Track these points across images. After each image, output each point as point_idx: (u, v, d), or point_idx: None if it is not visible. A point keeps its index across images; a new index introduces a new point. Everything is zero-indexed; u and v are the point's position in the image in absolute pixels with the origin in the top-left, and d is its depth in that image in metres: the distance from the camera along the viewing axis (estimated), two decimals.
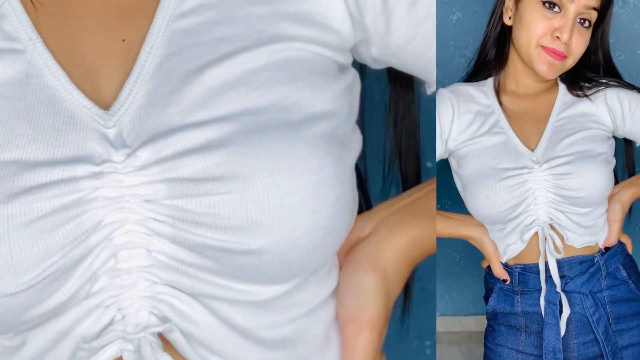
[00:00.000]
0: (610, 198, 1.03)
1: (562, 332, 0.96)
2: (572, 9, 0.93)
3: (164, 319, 0.54)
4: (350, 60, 0.65)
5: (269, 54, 0.56)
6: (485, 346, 1.06)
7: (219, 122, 0.53)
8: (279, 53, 0.57)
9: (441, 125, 1.02)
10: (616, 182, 1.06)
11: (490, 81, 1.02)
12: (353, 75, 0.65)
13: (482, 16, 1.64)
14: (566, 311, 0.97)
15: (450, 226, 1.07)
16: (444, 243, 1.74)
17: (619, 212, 1.02)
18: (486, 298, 1.09)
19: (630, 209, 1.19)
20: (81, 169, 0.51)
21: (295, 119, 0.54)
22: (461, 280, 1.80)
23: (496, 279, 1.05)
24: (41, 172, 0.50)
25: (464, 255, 1.78)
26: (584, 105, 1.00)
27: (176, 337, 0.54)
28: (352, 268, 0.62)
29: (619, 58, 1.61)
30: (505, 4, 1.01)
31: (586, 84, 1.02)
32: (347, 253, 0.64)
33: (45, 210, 0.50)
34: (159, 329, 0.53)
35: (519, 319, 1.02)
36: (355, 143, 0.61)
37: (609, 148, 0.99)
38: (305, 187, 0.52)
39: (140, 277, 0.53)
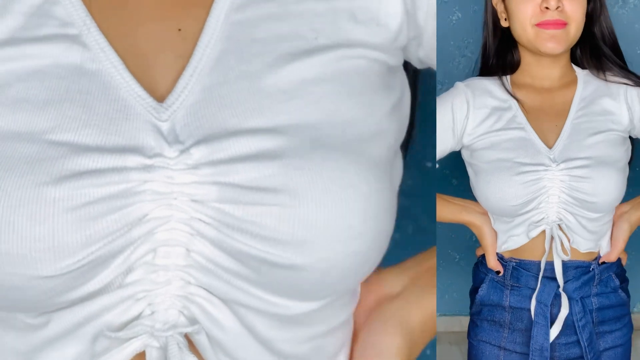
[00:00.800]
0: (619, 216, 1.01)
1: (557, 332, 0.96)
2: None
3: (193, 321, 0.53)
4: (401, 61, 0.64)
5: (328, 63, 0.56)
6: (469, 342, 1.06)
7: (274, 133, 0.52)
8: (337, 63, 0.56)
9: (454, 119, 1.00)
10: None
11: (507, 77, 1.01)
12: (402, 83, 0.63)
13: (482, 16, 1.65)
14: (564, 311, 0.96)
15: (452, 211, 1.06)
16: (444, 243, 1.74)
17: (625, 232, 1.00)
18: (473, 291, 1.08)
19: None
20: (132, 160, 0.50)
21: (350, 138, 0.54)
22: (461, 280, 1.80)
23: (489, 270, 1.04)
24: (92, 158, 0.50)
25: (464, 255, 1.78)
26: (604, 102, 0.98)
27: (202, 340, 0.54)
28: (379, 328, 0.61)
29: None
30: (498, 9, 1.02)
31: (609, 72, 1.01)
32: (375, 308, 0.63)
33: (92, 197, 0.49)
34: (188, 330, 0.53)
35: (504, 314, 1.01)
36: (398, 165, 0.61)
37: (625, 153, 0.98)
38: (353, 212, 0.52)
39: (176, 276, 0.52)
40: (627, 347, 1.03)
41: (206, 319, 0.54)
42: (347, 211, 0.51)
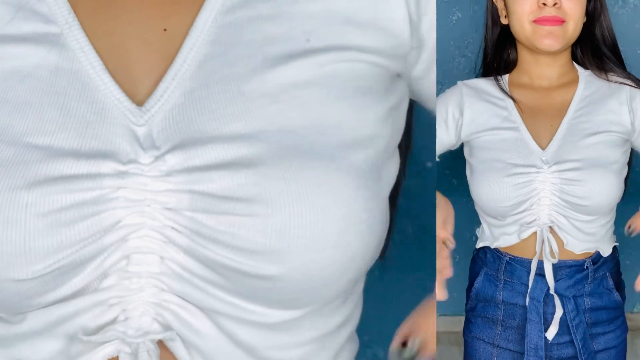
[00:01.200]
0: None
1: (554, 333, 0.96)
2: None
3: (167, 327, 0.53)
4: (404, 68, 0.61)
5: (317, 66, 0.54)
6: (464, 339, 1.06)
7: (252, 139, 0.51)
8: (327, 65, 0.54)
9: (448, 116, 1.01)
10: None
11: (505, 76, 1.01)
12: (403, 89, 0.62)
13: (482, 16, 1.64)
14: (558, 312, 0.96)
15: None
16: None
17: None
18: (469, 287, 1.09)
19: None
20: (107, 166, 0.50)
21: (334, 144, 0.52)
22: (461, 280, 1.80)
23: (484, 263, 1.04)
24: (67, 163, 0.50)
25: (464, 255, 1.78)
26: (605, 102, 0.97)
27: (177, 347, 0.53)
28: None
29: None
30: (498, 6, 1.01)
31: (611, 73, 1.00)
32: None
33: (65, 203, 0.49)
34: (160, 337, 0.53)
35: (497, 311, 1.01)
36: (392, 170, 0.59)
37: (623, 155, 0.96)
38: (331, 219, 0.50)
39: (149, 283, 0.52)
40: (620, 348, 1.02)
41: (181, 326, 0.53)
42: (325, 219, 0.50)
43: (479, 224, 2.00)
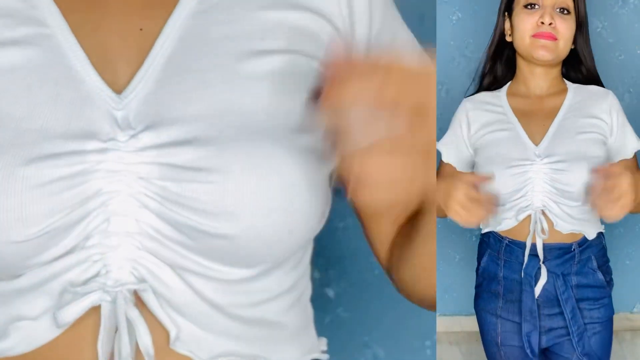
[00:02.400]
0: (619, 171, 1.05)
1: (539, 292, 1.14)
2: (547, 1, 1.14)
3: (141, 280, 0.62)
4: None
5: (269, 63, 0.64)
6: (475, 311, 1.27)
7: (212, 119, 0.61)
8: (277, 63, 0.64)
9: (468, 133, 1.20)
10: None
11: (504, 88, 1.23)
12: None
13: (482, 16, 1.65)
14: (543, 279, 1.14)
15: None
16: (444, 243, 1.74)
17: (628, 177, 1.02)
18: (478, 265, 1.27)
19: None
20: (90, 144, 0.59)
21: (281, 127, 0.62)
22: (461, 280, 1.80)
23: (488, 245, 1.22)
24: (57, 143, 0.59)
25: (464, 255, 1.78)
26: (590, 109, 1.17)
27: (149, 297, 0.62)
28: None
29: (619, 58, 1.61)
30: (505, 26, 1.23)
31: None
32: None
33: (55, 176, 0.58)
34: (135, 287, 0.62)
35: (498, 286, 1.20)
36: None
37: (604, 152, 1.15)
38: (276, 187, 0.60)
39: (126, 242, 0.61)
40: (606, 325, 1.19)
41: (153, 279, 0.62)
42: (271, 187, 0.59)
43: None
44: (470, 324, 1.85)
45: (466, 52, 1.66)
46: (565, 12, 1.16)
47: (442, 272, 1.78)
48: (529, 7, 1.16)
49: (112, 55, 0.63)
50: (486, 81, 1.27)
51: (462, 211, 1.01)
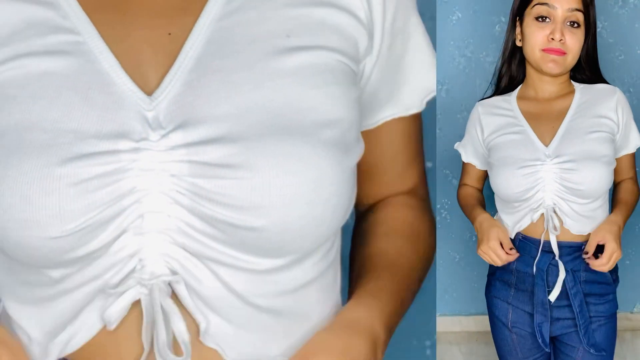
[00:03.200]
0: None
1: (557, 293, 1.22)
2: (558, 15, 1.18)
3: (174, 272, 0.64)
4: (359, 68, 0.73)
5: (295, 60, 0.66)
6: (486, 298, 1.36)
7: (240, 117, 0.63)
8: (303, 60, 0.66)
9: (482, 135, 1.28)
10: None
11: (514, 92, 1.29)
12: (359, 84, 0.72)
13: (482, 16, 1.65)
14: (562, 275, 1.22)
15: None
16: (444, 243, 1.74)
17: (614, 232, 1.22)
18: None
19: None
20: (123, 144, 0.62)
21: (307, 123, 0.65)
22: (461, 280, 1.80)
23: None
24: (91, 143, 0.62)
25: (464, 255, 1.78)
26: (597, 108, 1.22)
27: (181, 289, 0.64)
28: (345, 333, 0.67)
29: (619, 58, 1.61)
30: (516, 31, 1.29)
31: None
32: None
33: (91, 175, 0.61)
34: (169, 279, 0.64)
35: (511, 277, 1.29)
36: (359, 148, 0.70)
37: (612, 150, 1.20)
38: (303, 181, 0.62)
39: (159, 237, 0.63)
40: (611, 320, 1.28)
41: (185, 273, 0.64)
42: (296, 181, 0.62)
43: None
44: (470, 324, 1.86)
45: (466, 52, 1.66)
46: (576, 25, 1.19)
47: (442, 272, 1.78)
48: (540, 19, 1.20)
49: (142, 60, 0.66)
50: (503, 82, 1.33)
51: (492, 255, 1.23)
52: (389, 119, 0.77)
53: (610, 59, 1.58)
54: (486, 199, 1.40)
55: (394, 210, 0.80)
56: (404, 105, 0.77)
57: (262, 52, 0.66)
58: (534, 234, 1.24)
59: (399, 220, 0.79)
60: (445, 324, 1.82)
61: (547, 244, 1.23)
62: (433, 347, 1.45)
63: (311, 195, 0.62)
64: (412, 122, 0.79)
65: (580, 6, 1.20)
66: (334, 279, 0.76)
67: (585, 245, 1.23)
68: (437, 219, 1.71)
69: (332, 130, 0.66)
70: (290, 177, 0.62)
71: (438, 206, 1.74)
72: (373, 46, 0.72)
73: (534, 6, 1.21)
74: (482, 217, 1.26)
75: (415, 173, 0.82)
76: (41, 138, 0.62)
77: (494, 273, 1.34)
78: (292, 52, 0.66)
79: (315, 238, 0.66)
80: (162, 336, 0.64)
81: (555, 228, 1.20)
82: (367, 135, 0.76)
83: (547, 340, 1.25)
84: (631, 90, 1.61)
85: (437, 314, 1.80)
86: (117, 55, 0.65)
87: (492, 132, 1.27)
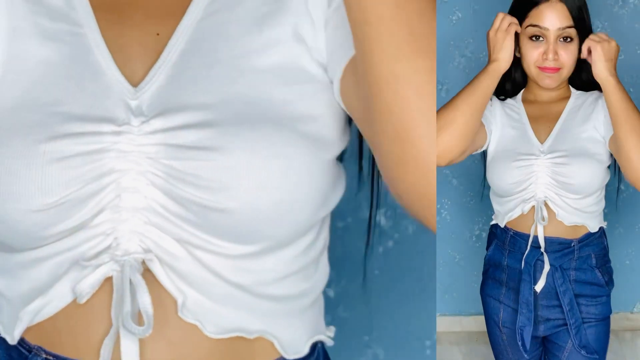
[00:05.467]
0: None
1: (542, 284, 1.23)
2: (550, 35, 1.22)
3: (147, 250, 0.67)
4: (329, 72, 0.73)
5: (268, 59, 0.70)
6: (481, 296, 1.37)
7: (215, 107, 0.67)
8: (276, 59, 0.70)
9: (489, 118, 1.30)
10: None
11: (519, 95, 1.34)
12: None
13: (482, 16, 1.65)
14: (546, 267, 1.23)
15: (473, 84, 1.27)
16: (444, 243, 1.74)
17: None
18: (486, 256, 1.37)
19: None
20: (107, 127, 0.66)
21: (280, 115, 0.67)
22: (461, 280, 1.80)
23: (495, 236, 1.32)
24: (77, 125, 0.65)
25: (464, 255, 1.79)
26: (590, 111, 1.26)
27: (155, 266, 0.67)
28: None
29: (619, 58, 1.61)
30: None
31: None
32: None
33: (73, 152, 0.64)
34: (142, 257, 0.67)
35: (502, 274, 1.30)
36: (339, 145, 0.72)
37: (604, 150, 1.22)
38: (273, 166, 0.64)
39: (135, 217, 0.66)
40: (604, 323, 1.26)
41: (159, 250, 0.67)
42: (268, 165, 0.64)
43: (479, 224, 2.00)
44: (470, 324, 1.86)
45: (466, 52, 1.66)
46: (569, 39, 1.22)
47: (442, 272, 1.78)
48: (533, 38, 1.23)
49: (131, 56, 0.71)
50: (507, 87, 1.37)
51: (497, 20, 1.20)
52: (344, 64, 0.70)
53: None
54: (484, 197, 1.40)
55: None
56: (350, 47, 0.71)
57: (239, 49, 0.70)
58: (524, 229, 1.26)
59: None
60: (445, 324, 1.82)
61: (537, 239, 1.25)
62: (433, 347, 1.45)
63: (280, 179, 0.64)
64: None
65: (570, 23, 1.23)
66: (319, 277, 0.76)
67: (575, 242, 1.25)
68: (437, 219, 1.71)
69: (307, 125, 0.68)
70: (262, 161, 0.64)
71: (438, 206, 1.74)
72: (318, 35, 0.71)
73: (527, 27, 1.25)
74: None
75: None
76: (32, 118, 0.66)
77: (487, 271, 1.36)
78: (265, 50, 0.70)
79: (287, 226, 0.67)
80: (126, 307, 0.65)
81: (543, 219, 1.23)
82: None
83: (528, 345, 1.26)
84: (631, 90, 1.61)
85: (437, 314, 1.81)
86: (111, 50, 0.71)
87: (501, 118, 1.32)
